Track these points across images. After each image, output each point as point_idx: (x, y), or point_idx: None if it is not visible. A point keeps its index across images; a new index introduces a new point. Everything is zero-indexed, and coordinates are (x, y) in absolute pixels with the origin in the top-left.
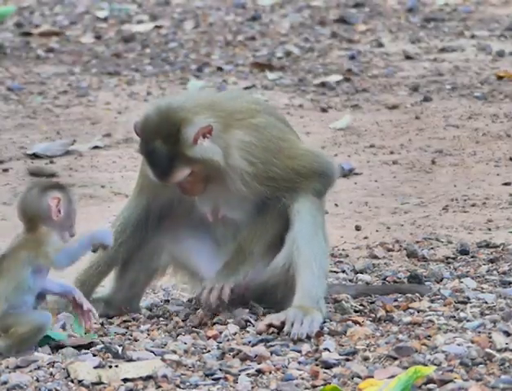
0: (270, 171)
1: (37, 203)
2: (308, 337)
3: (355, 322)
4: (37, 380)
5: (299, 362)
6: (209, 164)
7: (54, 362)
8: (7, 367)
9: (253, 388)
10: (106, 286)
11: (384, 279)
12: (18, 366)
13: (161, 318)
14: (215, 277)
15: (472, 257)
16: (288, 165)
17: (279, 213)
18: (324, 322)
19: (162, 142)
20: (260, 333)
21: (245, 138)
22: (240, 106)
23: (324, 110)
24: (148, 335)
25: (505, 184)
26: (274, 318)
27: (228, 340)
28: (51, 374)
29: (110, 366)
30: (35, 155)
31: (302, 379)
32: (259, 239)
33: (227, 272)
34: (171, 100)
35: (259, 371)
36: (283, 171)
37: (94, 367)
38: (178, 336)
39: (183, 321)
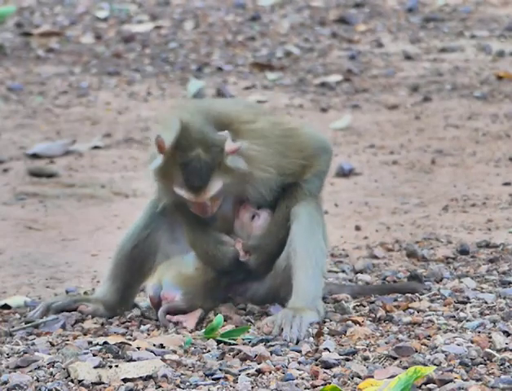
0: (284, 169)
1: None
2: (298, 340)
3: (355, 322)
4: (37, 380)
5: (299, 362)
6: (238, 176)
7: (54, 362)
8: (7, 367)
9: (253, 388)
10: (104, 286)
11: (384, 279)
12: (18, 366)
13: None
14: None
15: (472, 256)
16: (298, 157)
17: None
18: (324, 322)
19: (204, 150)
20: (267, 334)
21: (255, 148)
22: (239, 112)
23: (324, 110)
24: (148, 335)
25: (505, 184)
26: (268, 321)
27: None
28: (51, 374)
29: (110, 366)
30: (35, 155)
31: (302, 379)
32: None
33: None
34: (197, 105)
35: (259, 371)
36: (295, 164)
37: (94, 367)
38: (178, 335)
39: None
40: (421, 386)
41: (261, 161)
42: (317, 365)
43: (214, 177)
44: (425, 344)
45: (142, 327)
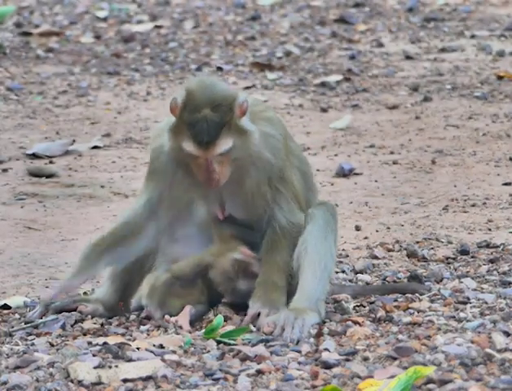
0: (283, 164)
1: None
2: (298, 341)
3: (355, 323)
4: (37, 380)
5: (299, 362)
6: (249, 140)
7: (54, 362)
8: (7, 367)
9: (253, 388)
10: (103, 286)
11: (384, 280)
12: (18, 367)
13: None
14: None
15: (472, 257)
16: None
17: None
18: (324, 322)
19: (212, 110)
20: (266, 334)
21: (268, 130)
22: (254, 100)
23: (324, 110)
24: (148, 335)
25: (505, 184)
26: (269, 321)
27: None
28: (51, 374)
29: (110, 367)
30: (35, 156)
31: (302, 379)
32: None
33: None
34: (207, 78)
35: (259, 371)
36: (290, 167)
37: (94, 367)
38: (178, 336)
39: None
40: (421, 386)
41: (267, 142)
42: (317, 365)
43: (223, 134)
44: (425, 345)
45: (141, 328)
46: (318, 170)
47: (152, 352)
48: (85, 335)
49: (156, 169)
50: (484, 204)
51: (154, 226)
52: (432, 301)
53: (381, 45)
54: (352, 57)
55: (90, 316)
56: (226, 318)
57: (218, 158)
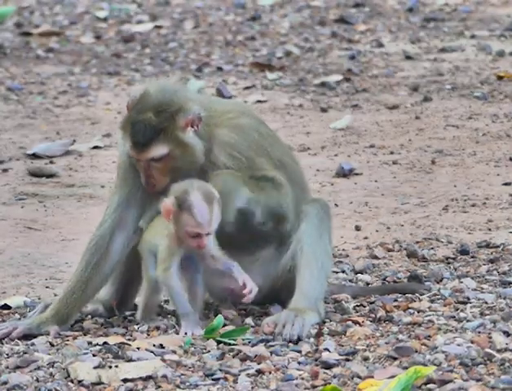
0: (254, 166)
1: None
2: (299, 339)
3: (355, 323)
4: (37, 380)
5: (299, 362)
6: (188, 154)
7: (54, 362)
8: (7, 367)
9: (253, 388)
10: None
11: (384, 280)
12: (18, 367)
13: (161, 318)
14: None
15: (472, 257)
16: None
17: None
18: (324, 322)
19: (154, 115)
20: (267, 334)
21: (230, 135)
22: (226, 107)
23: (324, 110)
24: (148, 335)
25: (505, 184)
26: (269, 321)
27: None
28: (51, 374)
29: (110, 367)
30: (35, 156)
31: (302, 379)
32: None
33: None
34: (172, 84)
35: (259, 371)
36: (264, 169)
37: (94, 367)
38: (178, 335)
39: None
40: (421, 386)
41: (232, 148)
42: (317, 365)
43: (159, 141)
44: (425, 345)
45: (142, 327)
46: (318, 170)
47: (152, 352)
48: (85, 335)
49: (122, 170)
50: (484, 204)
51: (123, 237)
52: (432, 301)
53: (381, 45)
54: (352, 57)
55: (90, 316)
56: (226, 318)
57: (155, 164)
